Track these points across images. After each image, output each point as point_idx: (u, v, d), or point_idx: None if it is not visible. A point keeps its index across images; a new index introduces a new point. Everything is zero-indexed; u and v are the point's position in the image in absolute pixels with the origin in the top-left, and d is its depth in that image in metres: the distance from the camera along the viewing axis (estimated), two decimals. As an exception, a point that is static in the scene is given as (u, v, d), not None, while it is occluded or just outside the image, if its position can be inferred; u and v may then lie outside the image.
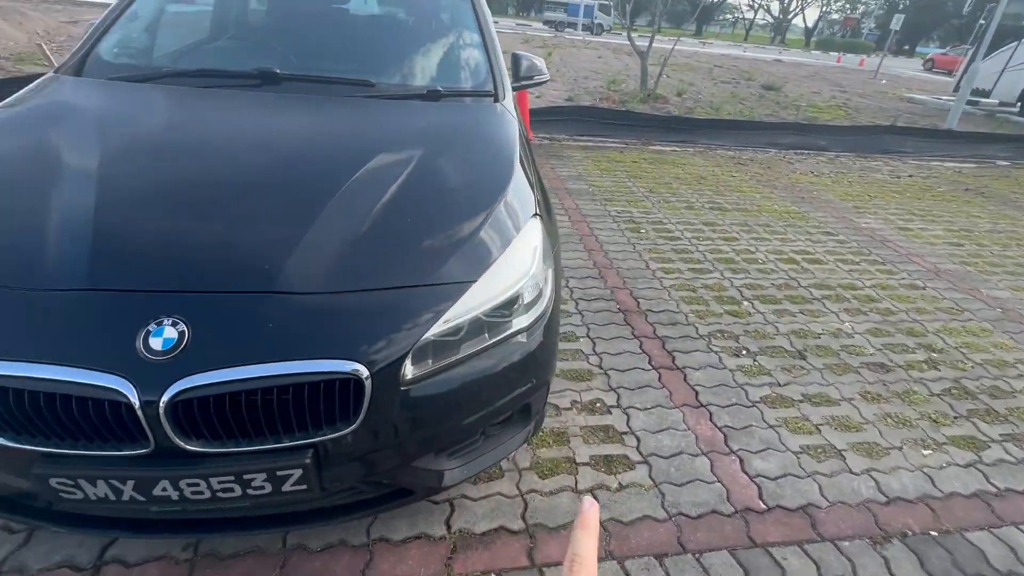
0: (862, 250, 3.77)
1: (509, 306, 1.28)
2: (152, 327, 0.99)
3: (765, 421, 2.05)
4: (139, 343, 0.98)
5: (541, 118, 6.38)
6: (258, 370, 1.00)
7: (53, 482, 1.01)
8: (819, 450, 1.94)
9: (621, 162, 5.42)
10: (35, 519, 1.17)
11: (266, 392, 1.01)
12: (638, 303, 2.80)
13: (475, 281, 1.21)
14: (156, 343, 0.98)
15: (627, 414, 2.02)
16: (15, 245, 1.09)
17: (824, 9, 57.00)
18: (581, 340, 2.44)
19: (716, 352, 2.45)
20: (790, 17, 58.54)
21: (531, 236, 1.39)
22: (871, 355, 2.55)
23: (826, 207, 4.66)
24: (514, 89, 2.32)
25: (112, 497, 1.03)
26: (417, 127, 1.59)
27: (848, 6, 56.44)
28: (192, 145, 1.35)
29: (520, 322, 1.31)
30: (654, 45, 8.72)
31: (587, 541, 0.33)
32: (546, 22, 31.04)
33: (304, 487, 1.10)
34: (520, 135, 1.81)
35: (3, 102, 1.52)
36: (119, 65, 1.69)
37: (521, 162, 1.60)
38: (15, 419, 0.97)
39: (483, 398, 1.28)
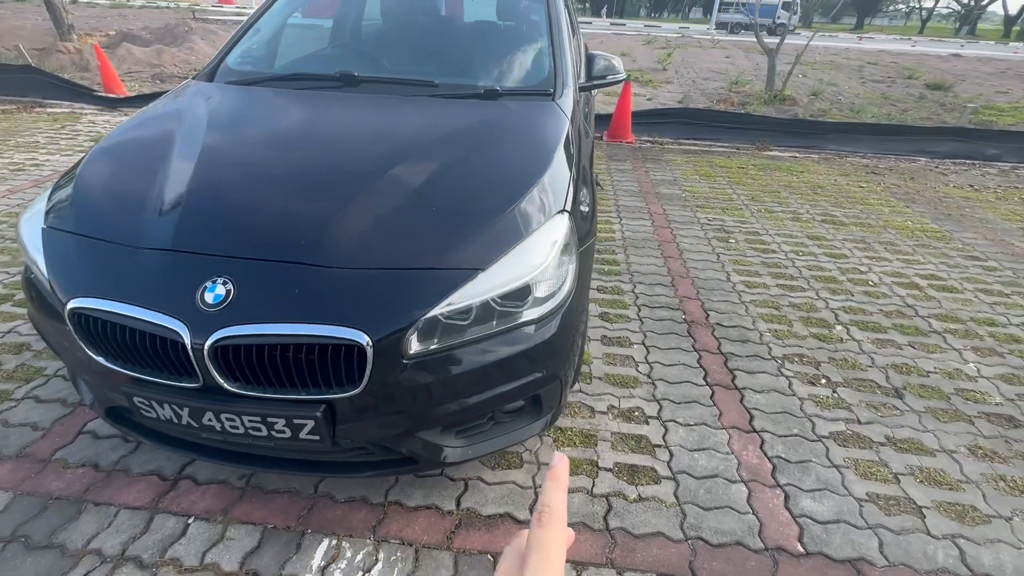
0: (1018, 281, 3.10)
1: (521, 296, 1.32)
2: (208, 284, 1.20)
3: (829, 459, 1.81)
4: (197, 296, 1.19)
5: (645, 120, 6.18)
6: (281, 328, 1.16)
7: (136, 400, 1.27)
8: (891, 501, 1.67)
9: (726, 167, 5.05)
10: (134, 431, 1.47)
11: (286, 348, 1.17)
12: (707, 315, 2.62)
13: (483, 269, 1.27)
14: (209, 297, 1.19)
15: (665, 427, 1.92)
16: (129, 209, 1.38)
17: (1034, -9, 46.62)
18: (634, 347, 2.36)
19: (787, 376, 2.21)
20: (984, 3, 48.99)
21: (553, 231, 1.40)
22: (996, 404, 2.11)
23: (979, 227, 3.89)
24: (587, 89, 2.33)
25: (174, 420, 1.27)
26: (465, 123, 1.69)
27: (1071, -14, 45.47)
28: (270, 136, 1.59)
29: (531, 313, 1.34)
30: (794, 43, 7.93)
31: (557, 493, 0.33)
32: (719, 25, 29.41)
33: (317, 438, 1.25)
34: (574, 132, 1.82)
35: (154, 102, 1.93)
36: (238, 71, 2.03)
37: (564, 158, 1.62)
38: (112, 346, 1.25)
39: (486, 382, 1.33)
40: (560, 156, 1.62)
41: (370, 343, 1.15)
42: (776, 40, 7.78)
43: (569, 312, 1.43)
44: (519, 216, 1.39)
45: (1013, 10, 48.81)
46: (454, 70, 2.15)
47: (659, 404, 2.03)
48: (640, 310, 2.64)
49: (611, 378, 2.16)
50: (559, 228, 1.42)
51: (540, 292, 1.38)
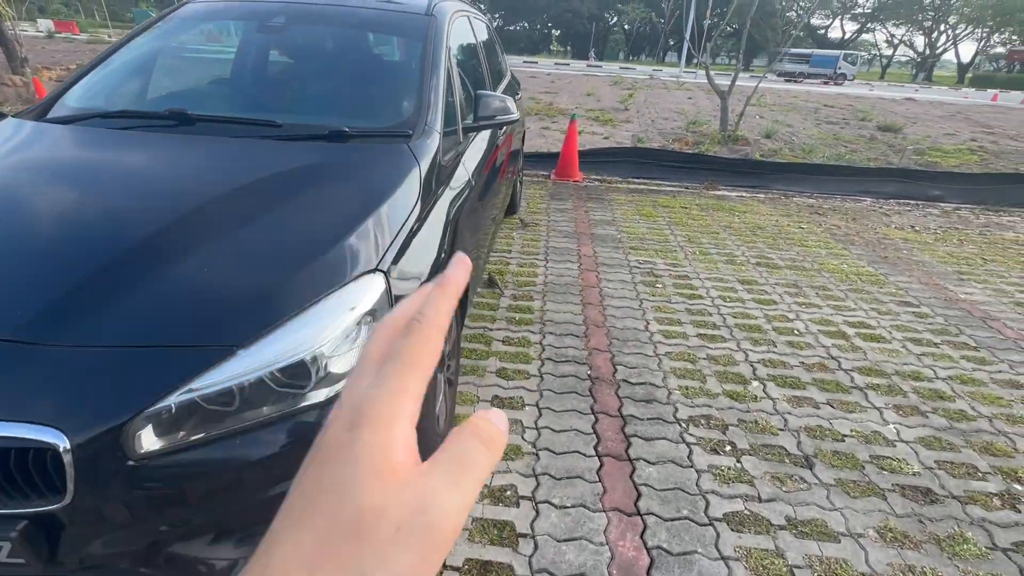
0: (949, 329, 2.97)
1: (301, 375, 1.09)
2: None
3: (718, 549, 1.58)
4: None
5: (594, 159, 6.15)
6: None
7: None
8: (780, 606, 1.43)
9: (669, 207, 4.97)
10: None
11: None
12: (615, 370, 2.41)
13: (241, 345, 1.04)
14: None
15: (537, 510, 1.67)
16: None
17: (983, 42, 49.64)
18: (526, 409, 2.13)
19: (689, 444, 1.99)
20: (939, 52, 52.09)
21: (352, 296, 1.19)
22: (913, 475, 1.91)
23: (914, 270, 3.81)
24: (473, 130, 2.19)
25: None
26: (285, 170, 1.49)
27: (1016, 38, 48.61)
28: (38, 187, 1.37)
29: (317, 395, 1.12)
30: (748, 84, 8.11)
31: (440, 303, 0.24)
32: (782, 74, 30.64)
33: (21, 560, 0.98)
34: (434, 178, 1.64)
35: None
36: (72, 107, 1.83)
37: (398, 208, 1.42)
38: None
39: (259, 482, 1.09)
40: (391, 206, 1.43)
41: (67, 446, 0.91)
42: (729, 83, 7.95)
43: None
44: (305, 279, 1.18)
45: (965, 58, 51.99)
46: (310, 109, 1.99)
47: (537, 480, 1.79)
48: (544, 365, 2.42)
49: (490, 448, 1.91)
50: (363, 292, 1.21)
51: (337, 367, 1.16)
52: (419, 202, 1.54)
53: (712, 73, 8.00)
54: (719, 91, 7.80)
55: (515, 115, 2.26)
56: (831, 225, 4.75)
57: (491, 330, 2.69)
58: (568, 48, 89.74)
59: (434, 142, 1.78)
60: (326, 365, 1.13)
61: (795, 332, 2.84)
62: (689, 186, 5.81)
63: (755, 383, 2.39)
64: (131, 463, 0.97)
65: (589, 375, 2.37)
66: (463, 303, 2.08)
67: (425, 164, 1.67)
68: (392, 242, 1.35)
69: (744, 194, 5.66)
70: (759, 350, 2.65)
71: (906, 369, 2.56)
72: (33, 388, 0.95)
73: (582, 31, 74.83)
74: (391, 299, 1.27)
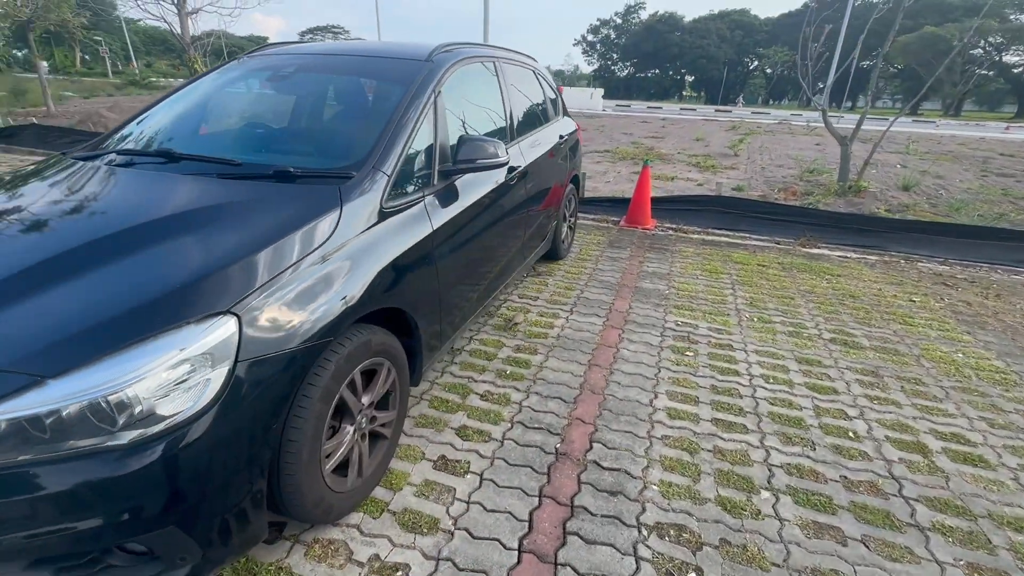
0: (1104, 463, 2.11)
1: (107, 413, 1.07)
2: None
3: None
4: None
5: (672, 207, 5.73)
6: None
7: None
8: None
9: (742, 264, 4.38)
10: None
11: None
12: (590, 448, 2.09)
13: (48, 376, 1.05)
14: None
15: (419, 604, 1.45)
16: None
17: None
18: (467, 477, 1.92)
19: (641, 559, 1.61)
20: None
21: (189, 336, 1.16)
22: None
23: (1071, 372, 2.82)
24: (453, 174, 2.12)
25: None
26: (205, 205, 1.54)
27: None
28: (19, 210, 1.57)
29: (122, 436, 1.08)
30: (911, 130, 7.04)
31: None
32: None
33: None
34: (352, 221, 1.59)
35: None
36: (106, 146, 2.13)
37: (282, 251, 1.38)
38: None
39: (39, 517, 1.06)
40: (281, 247, 1.39)
41: None
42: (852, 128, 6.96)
43: (203, 443, 1.15)
44: (144, 314, 1.16)
45: None
46: (283, 150, 2.08)
47: (436, 565, 1.56)
48: (511, 428, 2.19)
49: (406, 516, 1.74)
50: (200, 333, 1.17)
51: (163, 410, 1.12)
52: (324, 245, 1.49)
53: (835, 116, 7.08)
54: (838, 136, 6.86)
55: (501, 159, 2.16)
56: (958, 301, 3.78)
57: (475, 381, 2.52)
58: (701, 93, 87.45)
59: (377, 185, 1.74)
60: (143, 406, 1.10)
61: (849, 434, 2.23)
62: (780, 241, 5.10)
63: (765, 493, 1.89)
64: None
65: (556, 449, 2.07)
66: (414, 360, 1.96)
67: (353, 207, 1.63)
68: (265, 285, 1.30)
69: (849, 254, 4.81)
70: (788, 451, 2.11)
71: (1007, 512, 1.84)
72: None
73: (716, 76, 72.65)
74: (239, 343, 1.21)
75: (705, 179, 8.08)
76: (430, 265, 1.95)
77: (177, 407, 1.14)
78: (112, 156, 1.95)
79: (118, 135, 2.21)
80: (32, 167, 1.98)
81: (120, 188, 1.67)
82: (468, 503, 1.80)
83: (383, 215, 1.74)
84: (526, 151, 3.01)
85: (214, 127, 2.18)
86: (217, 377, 1.18)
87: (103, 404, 1.07)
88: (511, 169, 2.71)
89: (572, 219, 4.40)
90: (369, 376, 1.74)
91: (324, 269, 1.46)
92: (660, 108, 36.04)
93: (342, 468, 1.67)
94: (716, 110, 36.30)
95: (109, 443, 1.08)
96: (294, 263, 1.39)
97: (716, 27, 71.91)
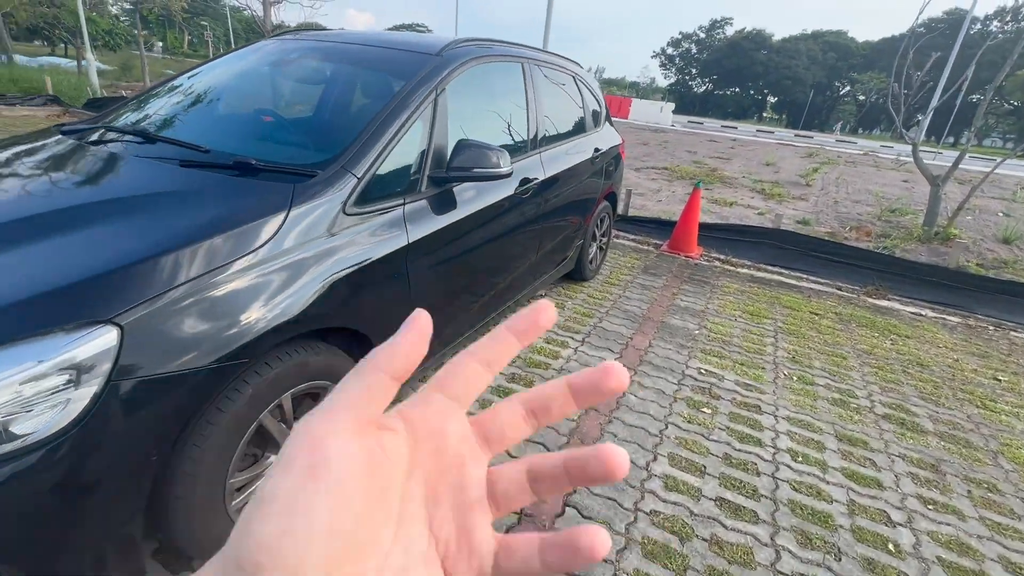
0: None
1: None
2: None
3: None
4: None
5: (724, 236, 5.25)
6: None
7: None
8: None
9: (791, 309, 3.89)
10: None
11: None
12: (560, 513, 1.79)
13: None
14: None
15: None
16: None
17: None
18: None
19: (586, 675, 1.31)
20: None
21: (54, 346, 0.99)
22: None
23: None
24: (445, 181, 1.90)
25: None
26: (145, 193, 1.40)
27: None
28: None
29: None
30: (1003, 173, 6.19)
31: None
32: None
33: None
34: (302, 223, 1.40)
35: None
36: (105, 121, 2.07)
37: (197, 253, 1.21)
38: None
39: None
40: (204, 249, 1.21)
41: None
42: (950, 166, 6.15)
43: (56, 471, 0.98)
44: (13, 314, 1.01)
45: None
46: (258, 137, 1.92)
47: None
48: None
49: None
50: (68, 343, 1.00)
51: (18, 428, 0.97)
52: (256, 252, 1.30)
53: (931, 152, 6.29)
54: (928, 174, 6.08)
55: (503, 170, 1.91)
56: (1058, 387, 3.13)
57: (454, 411, 2.28)
58: (782, 115, 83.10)
59: (341, 187, 1.54)
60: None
61: (889, 547, 1.80)
62: (842, 288, 4.52)
63: (764, 612, 1.52)
64: None
65: (519, 512, 1.79)
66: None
67: (305, 209, 1.43)
68: (166, 292, 1.13)
69: (925, 312, 4.17)
70: (805, 556, 1.72)
71: None
72: None
73: (801, 99, 68.81)
74: (118, 356, 1.04)
75: (767, 208, 7.45)
76: (400, 281, 1.73)
77: (29, 428, 0.98)
78: (99, 132, 1.87)
79: (116, 111, 2.15)
80: (20, 137, 1.94)
81: (70, 168, 1.57)
82: (402, 561, 1.55)
83: (344, 222, 1.54)
84: (549, 162, 2.74)
85: (205, 110, 2.07)
86: (82, 396, 1.01)
87: None
88: (525, 181, 2.45)
89: (604, 239, 4.08)
90: (312, 399, 1.55)
91: (249, 279, 1.27)
92: (734, 128, 34.51)
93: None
94: (796, 134, 34.32)
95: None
96: (211, 270, 1.21)
97: (807, 48, 68.20)
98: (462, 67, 2.11)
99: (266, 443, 1.44)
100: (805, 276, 4.72)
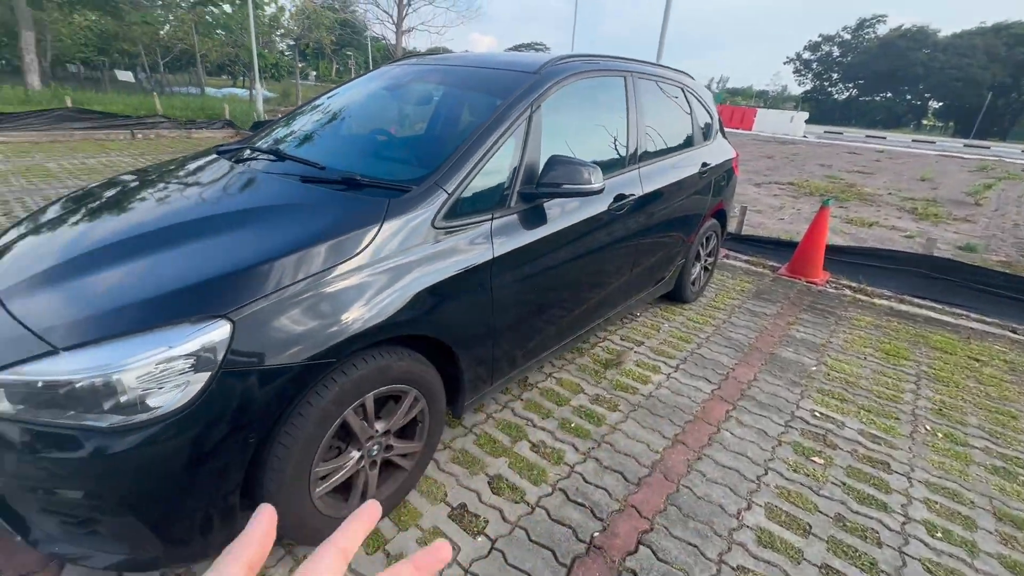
0: None
1: (91, 395, 1.12)
2: None
3: None
4: None
5: (860, 261, 4.61)
6: None
7: None
8: None
9: (942, 351, 3.27)
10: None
11: None
12: (634, 551, 1.67)
13: (59, 348, 1.14)
14: None
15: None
16: None
17: None
18: (477, 540, 1.68)
19: None
20: None
21: (180, 335, 1.16)
22: None
23: None
24: (533, 197, 1.92)
25: None
26: (265, 206, 1.58)
27: None
28: (142, 198, 1.81)
29: (109, 419, 1.13)
30: None
31: (358, 536, 0.32)
32: None
33: None
34: (392, 234, 1.50)
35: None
36: (253, 143, 2.41)
37: (302, 257, 1.34)
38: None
39: (31, 479, 1.16)
40: (304, 256, 1.34)
41: None
42: None
43: (173, 443, 1.15)
44: (153, 306, 1.20)
45: None
46: (370, 155, 2.08)
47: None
48: (551, 495, 1.88)
49: (397, 564, 1.58)
50: (191, 333, 1.16)
51: (153, 401, 1.15)
52: (349, 261, 1.41)
53: None
54: None
55: (594, 186, 1.88)
56: None
57: (533, 426, 2.26)
58: (949, 123, 71.20)
59: (432, 202, 1.62)
60: (129, 395, 1.12)
61: (1064, 668, 1.41)
62: (1017, 330, 3.71)
63: None
64: None
65: (592, 539, 1.71)
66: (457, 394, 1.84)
67: (397, 223, 1.53)
68: (272, 294, 1.27)
69: None
70: (936, 657, 1.41)
71: None
72: None
73: (974, 103, 58.41)
74: (229, 347, 1.19)
75: (919, 231, 6.40)
76: (483, 295, 1.76)
77: (158, 402, 1.15)
78: (245, 152, 2.18)
79: (262, 133, 2.49)
80: (188, 156, 2.33)
81: (215, 183, 1.84)
82: (465, 574, 1.56)
83: (433, 235, 1.61)
84: (648, 178, 2.63)
85: (326, 130, 2.31)
86: (199, 379, 1.17)
87: (96, 384, 1.12)
88: (620, 196, 2.38)
89: (710, 259, 3.80)
90: (394, 401, 1.63)
91: (341, 286, 1.38)
92: (883, 138, 30.40)
93: (343, 490, 1.59)
94: (966, 144, 29.21)
95: (92, 423, 1.13)
96: (310, 276, 1.34)
97: (986, 43, 57.96)
98: (560, 84, 2.12)
99: (349, 438, 1.54)
100: (965, 313, 3.96)
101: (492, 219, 1.79)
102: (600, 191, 1.93)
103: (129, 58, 25.61)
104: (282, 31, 18.54)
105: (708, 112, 3.51)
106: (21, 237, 1.68)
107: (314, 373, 1.33)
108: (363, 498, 1.62)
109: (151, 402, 1.15)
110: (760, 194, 8.48)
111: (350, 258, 1.42)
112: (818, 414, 2.50)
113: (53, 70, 23.70)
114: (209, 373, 1.18)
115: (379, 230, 1.49)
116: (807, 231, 4.47)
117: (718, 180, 3.42)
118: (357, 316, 1.39)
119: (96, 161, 7.17)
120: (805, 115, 29.06)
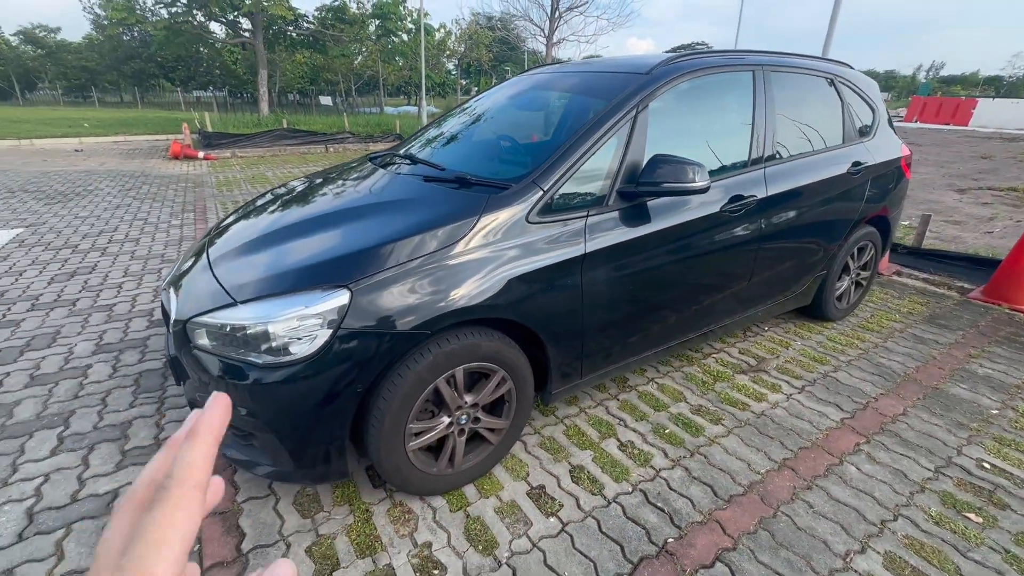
0: None
1: (254, 339, 1.49)
2: None
3: None
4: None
5: (951, 265, 3.55)
6: None
7: None
8: None
9: None
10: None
11: None
12: (709, 566, 1.59)
13: (238, 301, 1.53)
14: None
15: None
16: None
17: None
18: (549, 520, 1.76)
19: None
20: None
21: (315, 299, 1.47)
22: None
23: None
24: (635, 196, 1.95)
25: None
26: (397, 199, 1.89)
27: None
28: (309, 194, 2.27)
29: (258, 358, 1.49)
30: None
31: (192, 456, 0.24)
32: None
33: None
34: (489, 226, 1.67)
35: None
36: (398, 151, 2.82)
37: (412, 243, 1.59)
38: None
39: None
40: (415, 242, 1.59)
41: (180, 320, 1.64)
42: None
43: (301, 384, 1.47)
44: (304, 274, 1.54)
45: None
46: (485, 157, 2.29)
47: (467, 587, 1.52)
48: (630, 494, 1.87)
49: (474, 526, 1.74)
50: (322, 298, 1.47)
51: (296, 349, 1.48)
52: (449, 248, 1.61)
53: None
54: None
55: (696, 185, 1.84)
56: None
57: (625, 426, 2.25)
58: None
59: (528, 198, 1.76)
60: (278, 341, 1.47)
61: None
62: None
63: None
64: (191, 345, 1.62)
65: (664, 544, 1.67)
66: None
67: (493, 216, 1.70)
68: (383, 271, 1.52)
69: None
70: None
71: None
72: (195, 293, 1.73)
73: None
74: (347, 311, 1.47)
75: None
76: (573, 287, 1.84)
77: (296, 349, 1.48)
78: (389, 157, 2.59)
79: (406, 142, 2.90)
80: (349, 162, 2.82)
81: (361, 183, 2.22)
82: (533, 547, 1.66)
83: (528, 228, 1.74)
84: (776, 178, 2.42)
85: (452, 136, 2.61)
86: (324, 335, 1.47)
87: (258, 331, 1.48)
88: (737, 198, 2.24)
89: (864, 273, 3.29)
90: (484, 377, 1.81)
91: (441, 269, 1.59)
92: None
93: (436, 450, 1.81)
94: None
95: (254, 359, 1.49)
96: (415, 258, 1.57)
97: None
98: (670, 83, 2.09)
99: (441, 404, 1.75)
100: None
101: (588, 215, 1.86)
102: (703, 190, 1.87)
103: (331, 86, 30.90)
104: (448, 52, 20.77)
105: (869, 104, 3.06)
106: (236, 221, 2.24)
107: (412, 341, 1.56)
108: (451, 461, 1.82)
109: (292, 349, 1.48)
110: (962, 202, 6.94)
111: (448, 246, 1.62)
112: (987, 465, 2.04)
113: (279, 99, 29.72)
114: (331, 331, 1.47)
115: (476, 222, 1.67)
116: (1016, 246, 3.59)
117: (877, 182, 2.96)
118: (449, 297, 1.59)
119: (299, 171, 8.84)
120: (1054, 104, 22.65)
